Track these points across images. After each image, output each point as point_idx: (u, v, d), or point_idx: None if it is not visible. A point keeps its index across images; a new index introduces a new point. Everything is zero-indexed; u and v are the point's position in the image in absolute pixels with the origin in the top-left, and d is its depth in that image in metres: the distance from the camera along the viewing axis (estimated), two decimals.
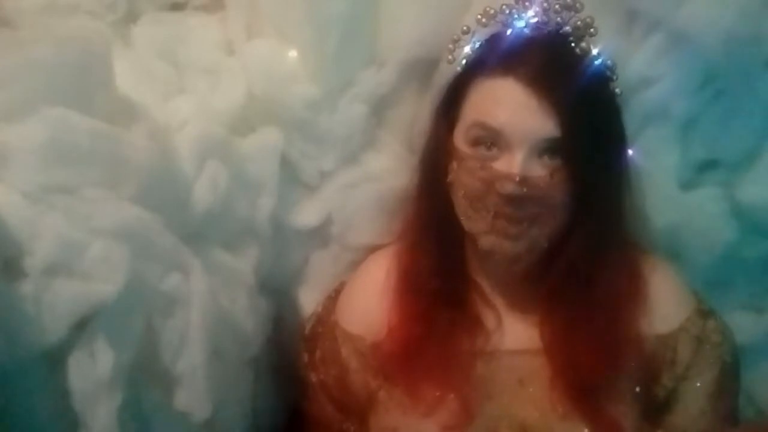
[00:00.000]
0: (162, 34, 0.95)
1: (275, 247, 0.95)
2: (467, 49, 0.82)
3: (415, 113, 0.95)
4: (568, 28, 0.79)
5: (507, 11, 0.80)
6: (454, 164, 0.80)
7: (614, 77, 0.80)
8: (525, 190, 0.74)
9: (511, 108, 0.75)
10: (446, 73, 0.86)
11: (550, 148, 0.75)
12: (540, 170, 0.75)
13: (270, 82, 0.92)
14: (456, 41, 0.83)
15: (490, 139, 0.76)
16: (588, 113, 0.75)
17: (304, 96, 0.92)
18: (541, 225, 0.76)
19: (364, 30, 0.93)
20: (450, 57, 0.84)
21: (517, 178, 0.73)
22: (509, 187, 0.74)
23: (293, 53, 0.93)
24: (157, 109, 0.86)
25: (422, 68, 0.93)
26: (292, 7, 0.91)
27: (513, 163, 0.74)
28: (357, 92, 0.94)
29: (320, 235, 0.98)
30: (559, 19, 0.79)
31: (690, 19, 0.87)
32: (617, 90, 0.81)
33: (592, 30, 0.79)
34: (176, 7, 1.00)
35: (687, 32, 0.88)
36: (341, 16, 0.89)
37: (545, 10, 0.79)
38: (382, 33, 0.94)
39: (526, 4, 0.79)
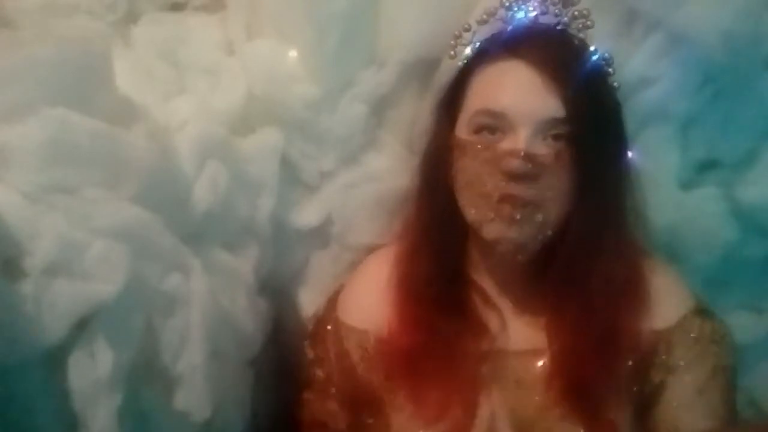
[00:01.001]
0: (162, 34, 0.95)
1: (275, 247, 0.95)
2: (468, 50, 0.83)
3: (415, 113, 0.95)
4: (566, 19, 0.80)
5: (507, 4, 0.82)
6: (457, 155, 0.80)
7: (612, 71, 0.81)
8: (530, 166, 0.73)
9: (516, 88, 0.75)
10: (447, 70, 0.86)
11: (553, 131, 0.75)
12: (544, 149, 0.75)
13: (270, 82, 0.92)
14: (458, 37, 0.84)
15: (494, 124, 0.76)
16: (590, 99, 0.76)
17: (304, 96, 0.92)
18: (545, 211, 0.76)
19: (364, 30, 0.93)
20: (452, 53, 0.85)
21: (522, 153, 0.73)
22: (514, 163, 0.73)
23: (293, 53, 0.93)
24: (157, 109, 0.86)
25: (422, 68, 0.93)
26: (292, 7, 0.91)
27: (518, 141, 0.75)
28: (357, 92, 0.94)
29: (320, 235, 0.98)
30: (557, 10, 0.80)
31: (690, 19, 0.87)
32: (615, 84, 0.81)
33: (588, 22, 0.80)
34: (176, 7, 1.00)
35: (686, 32, 0.88)
36: (341, 16, 0.89)
37: (543, 1, 0.81)
38: (382, 33, 0.94)
39: None
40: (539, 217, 0.75)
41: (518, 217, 0.75)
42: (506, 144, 0.75)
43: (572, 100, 0.74)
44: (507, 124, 0.75)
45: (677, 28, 0.88)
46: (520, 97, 0.75)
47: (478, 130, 0.78)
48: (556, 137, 0.75)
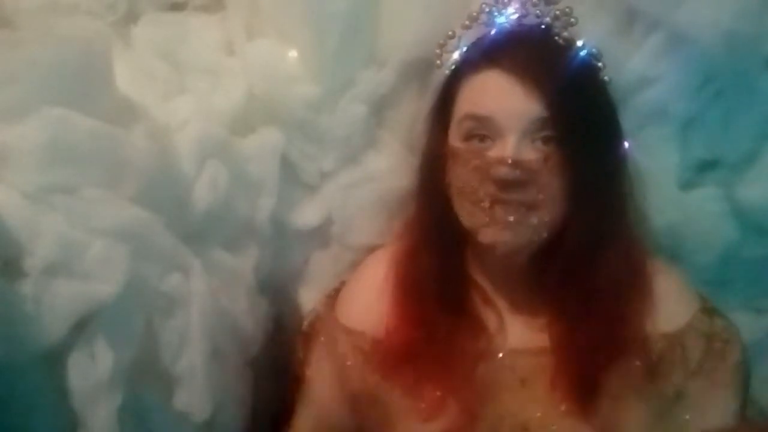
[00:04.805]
0: (162, 34, 0.95)
1: (275, 247, 0.95)
2: (455, 56, 0.84)
3: (415, 113, 0.95)
4: (548, 20, 0.80)
5: (487, 10, 0.82)
6: (450, 163, 0.80)
7: (601, 65, 0.81)
8: (518, 172, 0.74)
9: (499, 95, 0.76)
10: (438, 77, 0.86)
11: (541, 133, 0.75)
12: (533, 154, 0.75)
13: (270, 82, 0.92)
14: (443, 46, 0.85)
15: (482, 130, 0.77)
16: (576, 96, 0.76)
17: (304, 96, 0.92)
18: (539, 213, 0.76)
19: (364, 30, 0.93)
20: (438, 62, 0.85)
21: (510, 161, 0.74)
22: (502, 171, 0.74)
23: (293, 53, 0.93)
24: (157, 109, 0.86)
25: (422, 68, 0.93)
26: (292, 7, 0.91)
27: (505, 148, 0.75)
28: (357, 92, 0.94)
29: (320, 235, 0.98)
30: (538, 11, 0.80)
31: (690, 19, 0.87)
32: (606, 78, 0.81)
33: (572, 20, 0.80)
34: (176, 8, 1.00)
35: (687, 32, 0.88)
36: (341, 15, 0.89)
37: (523, 4, 0.81)
38: (382, 33, 0.94)
39: (505, 1, 0.82)
40: (533, 219, 0.76)
41: (512, 219, 0.75)
42: (495, 151, 0.76)
43: (556, 102, 0.74)
44: (495, 130, 0.76)
45: (677, 28, 0.88)
46: (504, 102, 0.75)
47: (468, 137, 0.78)
48: (545, 140, 0.75)
